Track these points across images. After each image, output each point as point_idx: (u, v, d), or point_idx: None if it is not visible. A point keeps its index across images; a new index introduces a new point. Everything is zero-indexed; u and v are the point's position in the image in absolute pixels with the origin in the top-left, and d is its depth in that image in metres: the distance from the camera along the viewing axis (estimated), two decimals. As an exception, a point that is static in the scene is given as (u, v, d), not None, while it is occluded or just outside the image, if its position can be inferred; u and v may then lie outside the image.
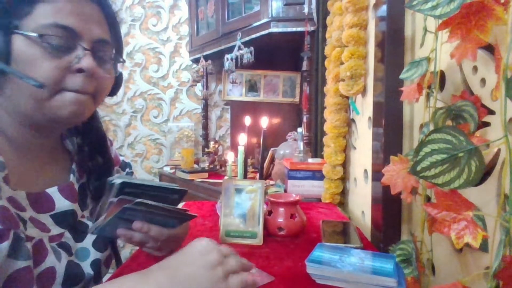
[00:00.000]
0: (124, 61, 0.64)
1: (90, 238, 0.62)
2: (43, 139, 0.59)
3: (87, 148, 0.67)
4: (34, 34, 0.49)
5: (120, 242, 0.73)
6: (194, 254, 0.47)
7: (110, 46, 0.59)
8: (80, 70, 0.52)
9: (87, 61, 0.52)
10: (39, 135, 0.58)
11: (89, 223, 0.63)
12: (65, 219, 0.59)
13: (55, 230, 0.57)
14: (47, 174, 0.60)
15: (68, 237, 0.59)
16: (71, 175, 0.64)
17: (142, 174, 2.52)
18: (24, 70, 0.50)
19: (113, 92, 0.64)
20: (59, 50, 0.51)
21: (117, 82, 0.64)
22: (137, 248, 0.69)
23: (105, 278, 0.64)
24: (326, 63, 1.28)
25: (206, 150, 2.21)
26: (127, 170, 0.81)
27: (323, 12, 1.47)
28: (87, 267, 0.60)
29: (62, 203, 0.59)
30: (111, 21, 0.60)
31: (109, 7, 0.59)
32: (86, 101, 0.55)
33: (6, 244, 0.46)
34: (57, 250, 0.55)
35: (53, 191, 0.59)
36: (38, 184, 0.58)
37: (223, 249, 0.50)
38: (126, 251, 2.35)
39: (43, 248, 0.53)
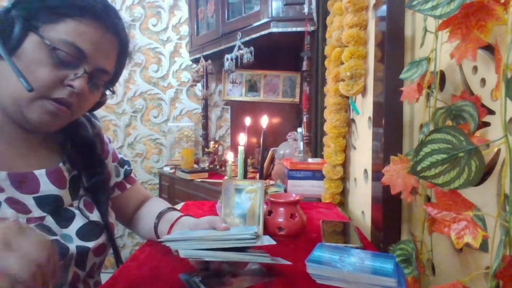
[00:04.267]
0: (113, 92, 0.68)
1: (74, 226, 0.62)
2: (29, 131, 0.60)
3: (75, 148, 0.69)
4: (48, 42, 0.53)
5: (120, 242, 0.73)
6: None
7: (108, 76, 0.63)
8: (70, 86, 0.56)
9: (80, 82, 0.56)
10: (24, 128, 0.59)
11: (77, 212, 0.64)
12: (48, 203, 0.60)
13: (37, 212, 0.58)
14: (36, 158, 0.62)
15: (50, 221, 0.59)
16: (61, 163, 0.65)
17: (142, 174, 2.52)
18: (25, 67, 0.53)
19: (94, 108, 0.68)
20: (63, 63, 0.55)
21: (100, 101, 0.67)
22: (137, 248, 0.69)
23: (105, 278, 0.64)
24: (326, 63, 1.28)
25: (206, 150, 2.21)
26: (126, 167, 0.81)
27: (323, 12, 1.47)
28: (72, 247, 0.59)
29: (47, 187, 0.60)
30: (121, 55, 0.65)
31: (126, 43, 0.64)
32: (64, 113, 0.58)
33: None
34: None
35: (40, 173, 0.60)
36: (23, 165, 0.59)
37: None
38: (126, 251, 2.35)
39: None
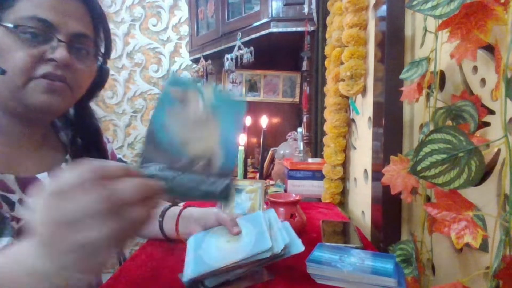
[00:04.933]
0: (103, 55, 0.64)
1: None
2: (31, 127, 0.60)
3: (80, 141, 0.69)
4: (10, 25, 0.51)
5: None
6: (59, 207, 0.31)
7: (90, 40, 0.59)
8: (52, 60, 0.54)
9: (60, 52, 0.54)
10: (26, 123, 0.59)
11: None
12: None
13: None
14: (39, 160, 0.62)
15: None
16: (64, 164, 0.65)
17: (142, 174, 2.52)
18: (1, 59, 0.52)
19: (98, 85, 0.66)
20: (34, 40, 0.53)
21: (101, 75, 0.65)
22: (137, 248, 0.70)
23: (105, 278, 0.64)
24: (326, 63, 1.28)
25: (206, 150, 2.21)
26: None
27: (323, 12, 1.47)
28: None
29: None
30: (96, 17, 0.61)
31: (93, 2, 0.60)
32: (61, 89, 0.56)
33: None
34: None
35: (43, 176, 0.60)
36: (28, 169, 0.59)
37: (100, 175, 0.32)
38: (126, 251, 2.34)
39: None
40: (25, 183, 0.57)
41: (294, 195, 0.85)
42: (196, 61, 2.27)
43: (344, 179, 1.20)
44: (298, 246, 0.58)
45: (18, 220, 0.54)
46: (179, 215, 0.72)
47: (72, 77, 0.57)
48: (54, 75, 0.54)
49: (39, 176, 0.60)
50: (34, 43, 0.53)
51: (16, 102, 0.55)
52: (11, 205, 0.54)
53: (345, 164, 1.17)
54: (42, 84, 0.54)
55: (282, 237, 0.58)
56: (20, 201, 0.56)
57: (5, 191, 0.54)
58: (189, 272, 0.54)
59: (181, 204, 0.95)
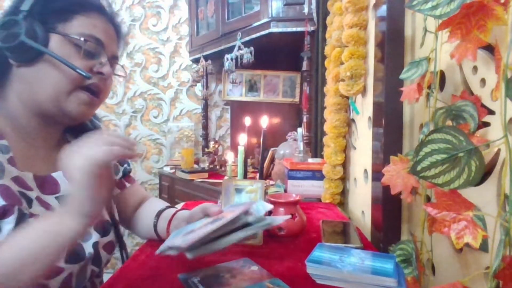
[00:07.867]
0: (125, 76, 0.75)
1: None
2: (49, 128, 0.65)
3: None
4: (77, 37, 0.59)
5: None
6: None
7: (117, 61, 0.70)
8: (100, 73, 0.62)
9: (107, 68, 0.63)
10: (47, 124, 0.64)
11: None
12: None
13: None
14: (52, 160, 0.65)
15: None
16: None
17: (142, 174, 2.52)
18: (59, 65, 0.58)
19: None
20: (89, 54, 0.61)
21: None
22: (137, 248, 0.71)
23: (105, 278, 0.64)
24: (326, 63, 1.28)
25: (206, 150, 2.21)
26: (125, 166, 0.83)
27: (323, 12, 1.47)
28: (88, 247, 0.63)
29: (66, 186, 0.64)
30: (120, 41, 0.71)
31: (121, 28, 0.71)
32: (95, 102, 0.64)
33: (12, 219, 0.51)
34: None
35: (58, 175, 0.64)
36: (43, 168, 0.63)
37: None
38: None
39: None
40: (41, 182, 0.61)
41: (294, 195, 0.85)
42: (196, 61, 2.26)
43: (344, 179, 1.20)
44: (277, 220, 0.62)
45: (36, 217, 0.56)
46: (173, 215, 0.74)
47: (105, 90, 0.65)
48: (97, 86, 0.63)
49: (53, 175, 0.63)
50: (88, 56, 0.61)
51: (56, 107, 0.60)
52: (29, 202, 0.57)
53: (345, 164, 1.17)
54: (83, 97, 0.61)
55: (263, 207, 0.61)
56: (38, 198, 0.59)
57: (24, 188, 0.57)
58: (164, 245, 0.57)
59: (178, 206, 0.95)
